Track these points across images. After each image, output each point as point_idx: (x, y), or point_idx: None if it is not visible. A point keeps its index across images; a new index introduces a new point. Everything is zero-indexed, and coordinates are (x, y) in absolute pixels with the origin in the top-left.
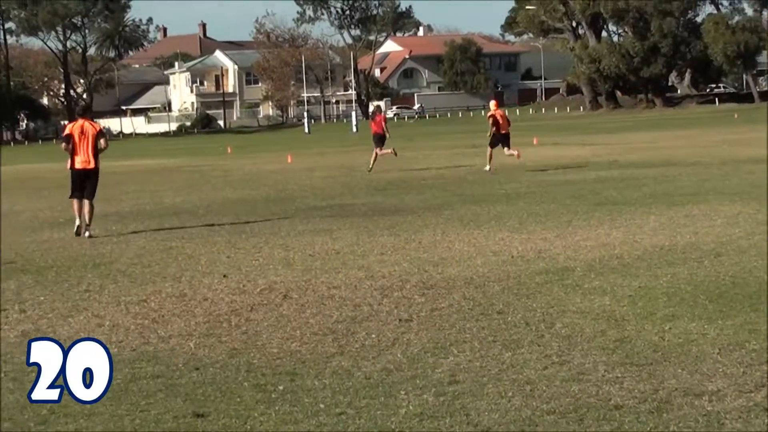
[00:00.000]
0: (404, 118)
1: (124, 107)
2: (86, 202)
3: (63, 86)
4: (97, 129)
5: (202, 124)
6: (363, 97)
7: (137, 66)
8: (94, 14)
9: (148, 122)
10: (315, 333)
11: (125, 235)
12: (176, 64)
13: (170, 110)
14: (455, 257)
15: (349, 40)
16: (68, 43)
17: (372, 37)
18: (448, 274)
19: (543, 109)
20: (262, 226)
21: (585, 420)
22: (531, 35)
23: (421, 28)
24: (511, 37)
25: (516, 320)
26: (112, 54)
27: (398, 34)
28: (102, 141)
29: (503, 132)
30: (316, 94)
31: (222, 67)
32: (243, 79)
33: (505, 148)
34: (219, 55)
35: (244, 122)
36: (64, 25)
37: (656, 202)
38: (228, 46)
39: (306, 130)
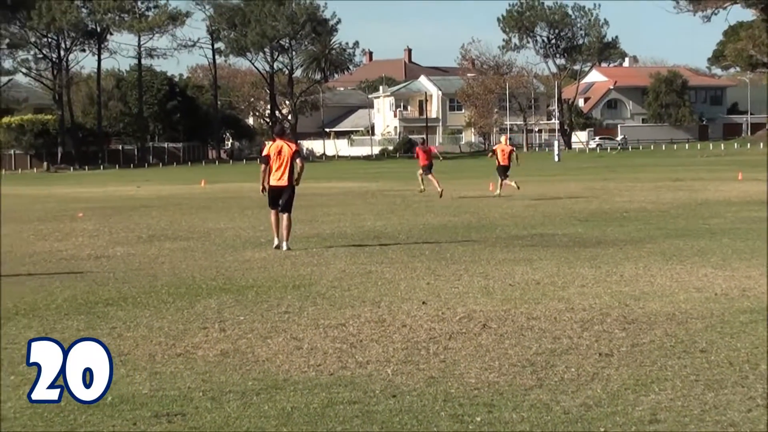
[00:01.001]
0: (607, 149)
1: (327, 129)
2: (284, 215)
3: (268, 107)
4: (294, 149)
5: (405, 148)
6: (566, 127)
7: (342, 89)
8: (301, 36)
9: (351, 145)
10: (513, 364)
11: (326, 258)
12: (381, 88)
13: (373, 134)
14: (657, 292)
15: (554, 69)
16: (275, 65)
17: (577, 67)
18: (649, 308)
19: (748, 144)
20: (462, 253)
21: None
22: (738, 69)
23: (626, 59)
24: (717, 71)
25: (719, 359)
26: (317, 76)
27: (603, 65)
28: (298, 161)
29: (503, 164)
30: (518, 122)
31: (426, 93)
32: (446, 105)
33: (506, 179)
34: (423, 80)
35: (447, 148)
36: (272, 46)
37: None
38: (433, 71)
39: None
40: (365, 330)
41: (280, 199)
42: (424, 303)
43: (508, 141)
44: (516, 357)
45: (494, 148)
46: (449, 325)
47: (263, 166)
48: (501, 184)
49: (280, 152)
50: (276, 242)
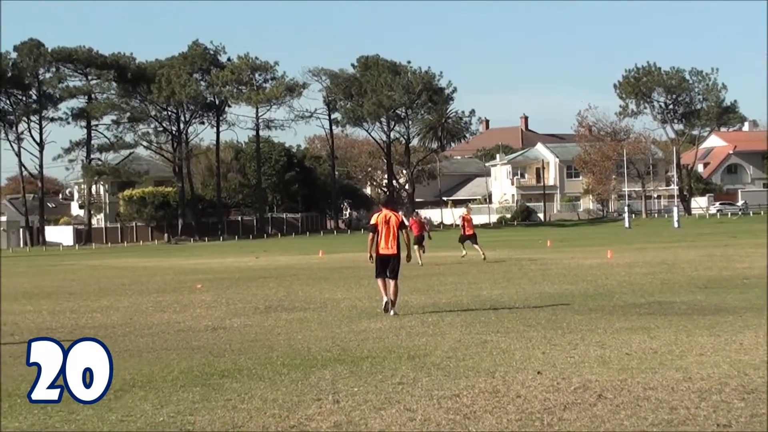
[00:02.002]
0: (727, 215)
1: (445, 198)
2: (391, 282)
3: (386, 176)
4: (399, 219)
5: (522, 216)
6: (685, 192)
7: (459, 157)
8: (418, 106)
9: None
10: None
11: (441, 327)
12: (498, 156)
13: (490, 202)
14: None
15: (672, 135)
16: (392, 134)
17: (695, 132)
18: None
19: None
20: (578, 322)
21: None
22: None
23: (746, 123)
24: None
25: None
26: (434, 145)
27: (722, 129)
28: (404, 231)
29: (468, 233)
30: (637, 189)
31: (543, 160)
32: (564, 172)
33: (475, 245)
34: (540, 147)
35: (564, 215)
36: (388, 116)
37: None
38: (549, 138)
39: (626, 224)
40: (479, 401)
41: (388, 266)
42: (539, 373)
43: (469, 211)
44: (632, 428)
45: (462, 215)
46: (564, 396)
47: (371, 235)
48: (482, 251)
49: (387, 222)
50: (385, 299)
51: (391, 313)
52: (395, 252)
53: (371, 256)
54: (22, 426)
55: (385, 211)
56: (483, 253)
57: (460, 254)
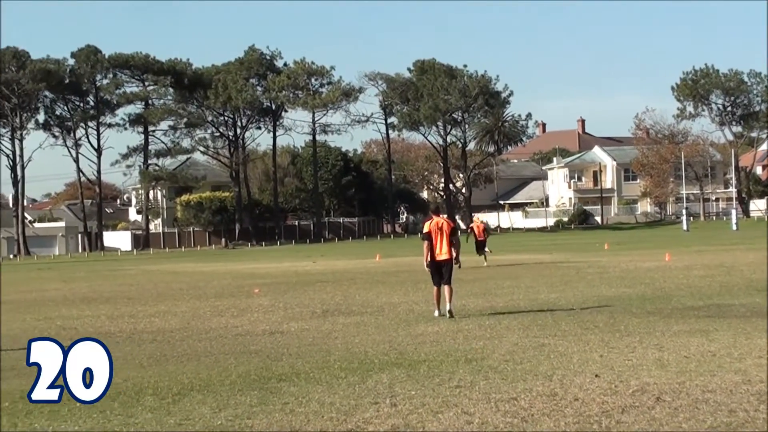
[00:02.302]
0: None
1: (501, 202)
2: (446, 287)
3: (442, 180)
4: (452, 225)
5: (579, 219)
6: (744, 195)
7: (515, 161)
8: (474, 109)
9: (526, 217)
10: None
11: (498, 331)
12: (554, 159)
13: (547, 205)
14: None
15: (730, 137)
16: (448, 138)
17: (754, 134)
18: None
19: None
20: (636, 325)
21: None
22: None
23: None
24: None
25: None
26: (491, 149)
27: None
28: (455, 237)
29: (480, 240)
30: (695, 191)
31: (600, 163)
32: (621, 175)
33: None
34: (597, 150)
35: (622, 218)
36: (444, 119)
37: None
38: (606, 141)
39: (684, 227)
40: (537, 404)
41: (443, 271)
42: (596, 376)
43: (479, 218)
44: (690, 431)
45: (471, 225)
46: (622, 399)
47: (426, 242)
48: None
49: (440, 228)
50: (437, 314)
51: (447, 311)
52: (449, 257)
53: (428, 263)
54: (82, 429)
55: (436, 219)
56: (486, 260)
57: (483, 263)
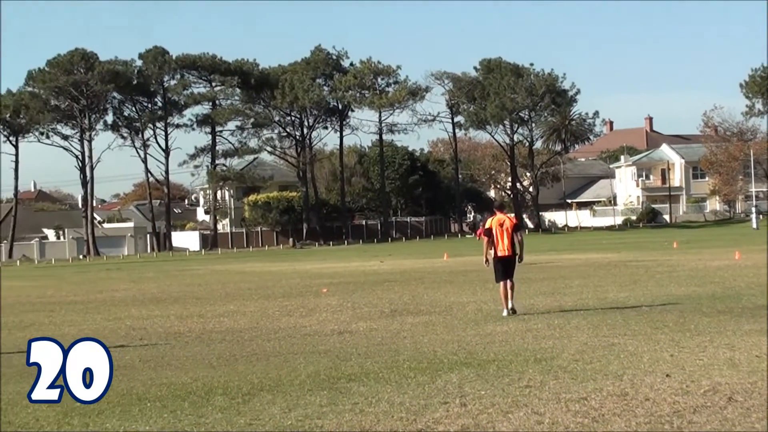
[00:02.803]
0: None
1: (569, 200)
2: (508, 282)
3: (509, 179)
4: (514, 222)
5: (648, 218)
6: None
7: (583, 159)
8: (541, 108)
9: (593, 216)
10: None
11: (567, 330)
12: (622, 157)
13: (615, 204)
14: None
15: None
16: (515, 137)
17: None
18: None
19: None
20: (707, 324)
21: None
22: None
23: None
24: None
25: None
26: (558, 147)
27: None
28: (518, 234)
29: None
30: (764, 189)
31: (668, 161)
32: (689, 173)
33: None
34: (665, 148)
35: (690, 217)
36: (511, 118)
37: None
38: (674, 139)
39: (754, 225)
40: (608, 404)
41: (508, 268)
42: (667, 376)
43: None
44: (763, 431)
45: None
46: (693, 399)
47: (486, 239)
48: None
49: (502, 225)
50: (505, 313)
51: (506, 313)
52: (512, 254)
53: (487, 260)
54: (153, 429)
55: (498, 215)
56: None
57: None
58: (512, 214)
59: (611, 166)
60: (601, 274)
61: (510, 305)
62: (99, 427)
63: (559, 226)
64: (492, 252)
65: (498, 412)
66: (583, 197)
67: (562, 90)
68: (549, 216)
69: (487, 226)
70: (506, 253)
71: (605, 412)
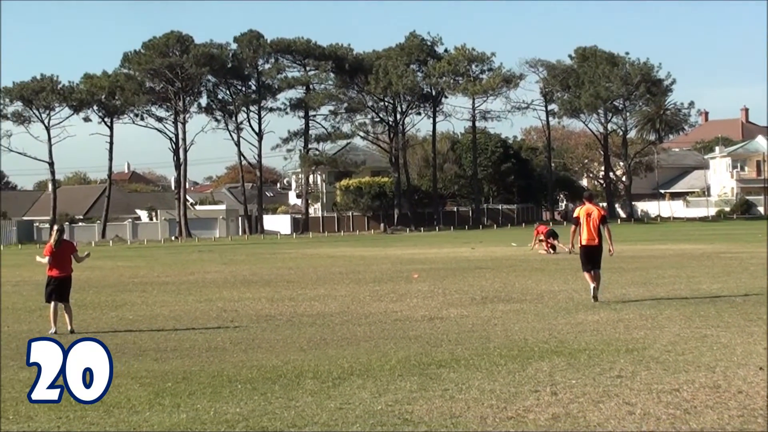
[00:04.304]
0: None
1: (662, 191)
2: (595, 271)
3: (602, 168)
4: (602, 213)
5: (742, 209)
6: None
7: (677, 150)
8: (635, 97)
9: (687, 206)
10: None
11: (659, 321)
12: (717, 148)
13: (709, 195)
14: None
15: None
16: (609, 126)
17: None
18: None
19: None
20: None
21: None
22: None
23: None
24: None
25: None
26: (652, 137)
27: None
28: (606, 225)
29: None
30: None
31: (764, 153)
32: None
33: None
34: (761, 140)
35: None
36: (605, 107)
37: None
38: None
39: None
40: (700, 396)
41: (593, 257)
42: (761, 369)
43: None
44: None
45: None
46: None
47: (573, 227)
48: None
49: (589, 215)
50: (593, 285)
51: (593, 294)
52: (598, 243)
53: (572, 247)
54: (243, 411)
55: (587, 205)
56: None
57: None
58: (602, 205)
59: (705, 156)
60: (694, 265)
61: (593, 293)
62: (189, 407)
63: (652, 216)
64: (578, 240)
65: (589, 401)
66: (677, 188)
67: (657, 79)
68: (642, 206)
69: (575, 215)
70: (590, 243)
71: (697, 404)
